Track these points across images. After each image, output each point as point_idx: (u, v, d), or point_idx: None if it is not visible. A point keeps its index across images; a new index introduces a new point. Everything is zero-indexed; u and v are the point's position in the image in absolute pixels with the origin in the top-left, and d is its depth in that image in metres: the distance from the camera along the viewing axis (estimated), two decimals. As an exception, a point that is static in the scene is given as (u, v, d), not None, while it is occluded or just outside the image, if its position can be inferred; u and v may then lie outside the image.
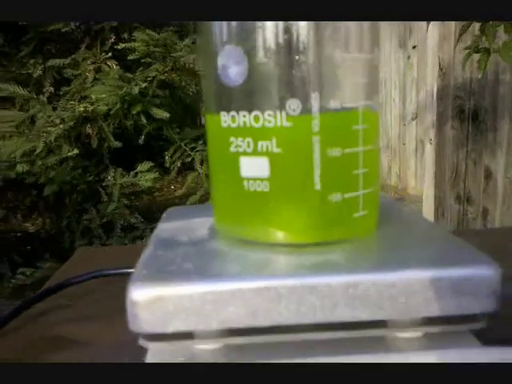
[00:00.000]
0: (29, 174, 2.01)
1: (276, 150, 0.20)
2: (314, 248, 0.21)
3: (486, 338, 0.19)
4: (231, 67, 0.20)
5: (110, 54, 1.86)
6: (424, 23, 2.10)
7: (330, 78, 0.20)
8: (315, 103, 0.20)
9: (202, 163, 2.00)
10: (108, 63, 1.88)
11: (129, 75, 1.77)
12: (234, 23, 0.20)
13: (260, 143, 0.20)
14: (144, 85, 1.73)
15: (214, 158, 0.23)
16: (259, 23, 0.19)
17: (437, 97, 2.14)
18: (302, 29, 0.20)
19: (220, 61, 0.20)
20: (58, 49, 2.09)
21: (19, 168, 1.93)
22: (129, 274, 0.45)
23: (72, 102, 1.95)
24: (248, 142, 0.20)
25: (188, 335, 0.19)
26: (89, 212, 2.19)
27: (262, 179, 0.20)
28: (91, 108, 1.76)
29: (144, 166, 2.04)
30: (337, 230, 0.21)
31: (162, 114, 1.89)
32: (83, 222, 2.22)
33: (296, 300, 0.18)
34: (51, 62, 1.86)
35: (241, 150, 0.21)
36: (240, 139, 0.21)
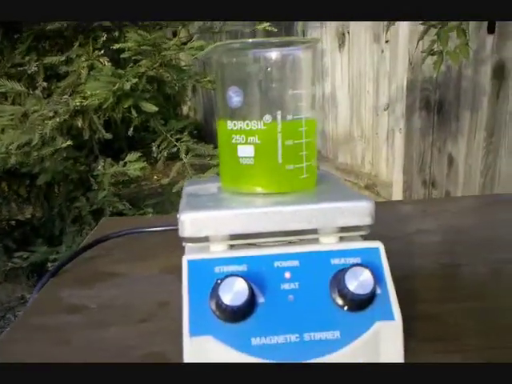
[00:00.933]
0: (23, 164, 2.10)
1: (257, 141, 0.38)
2: (278, 195, 0.39)
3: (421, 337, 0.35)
4: (234, 98, 0.37)
5: (102, 51, 2.00)
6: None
7: (286, 103, 0.38)
8: (278, 116, 0.38)
9: (186, 153, 2.11)
10: (100, 60, 2.02)
11: (120, 71, 1.91)
12: (236, 73, 0.37)
13: (249, 138, 0.38)
14: (135, 80, 1.87)
15: (222, 146, 0.40)
16: (249, 75, 0.37)
17: (406, 89, 2.31)
18: (274, 76, 0.37)
19: (228, 94, 0.38)
20: (51, 45, 2.22)
21: (14, 159, 2.02)
22: (155, 232, 0.64)
23: (66, 97, 2.08)
24: (242, 137, 0.38)
25: (209, 239, 0.37)
26: (79, 200, 2.29)
27: (249, 157, 0.38)
28: (85, 103, 1.89)
29: (132, 156, 2.14)
30: (290, 185, 0.39)
31: (150, 107, 2.01)
32: (74, 209, 2.31)
33: (267, 218, 0.36)
34: (48, 60, 1.99)
35: (238, 141, 0.38)
36: (238, 135, 0.38)
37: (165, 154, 2.18)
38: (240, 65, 0.38)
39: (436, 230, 0.65)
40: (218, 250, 0.37)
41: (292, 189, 0.39)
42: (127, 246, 0.63)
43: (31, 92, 2.05)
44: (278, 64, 0.38)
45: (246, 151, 0.38)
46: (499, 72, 2.09)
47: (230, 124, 0.38)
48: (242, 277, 0.32)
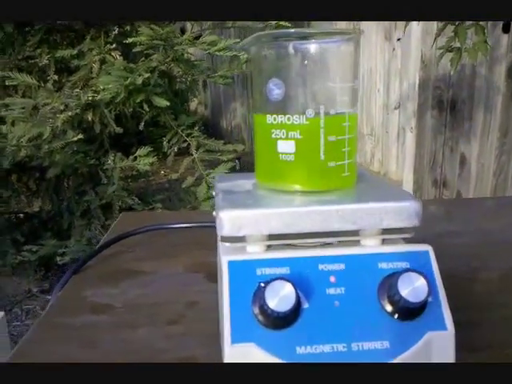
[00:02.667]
0: (33, 157, 2.09)
1: (299, 136, 0.36)
2: (319, 193, 0.37)
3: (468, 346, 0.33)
4: (275, 90, 0.35)
5: (114, 45, 1.98)
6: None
7: (330, 97, 0.36)
8: (321, 111, 0.36)
9: (197, 148, 2.10)
10: (112, 54, 2.01)
11: (132, 66, 1.89)
12: (277, 64, 0.35)
13: (290, 133, 0.36)
14: (147, 75, 1.86)
15: (259, 140, 0.38)
16: (293, 65, 0.35)
17: (418, 87, 2.28)
18: (317, 70, 0.35)
19: (268, 86, 0.36)
20: (62, 39, 2.21)
21: (24, 152, 2.01)
22: (178, 228, 0.62)
23: (77, 90, 2.06)
24: (283, 132, 0.36)
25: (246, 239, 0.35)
26: (88, 194, 2.28)
27: (290, 153, 0.36)
28: (98, 97, 1.88)
29: (143, 150, 2.13)
30: (332, 183, 0.37)
31: (162, 102, 1.99)
32: (83, 203, 2.30)
33: (308, 218, 0.34)
34: (59, 53, 1.97)
35: (278, 136, 0.36)
36: (278, 130, 0.36)
37: (175, 149, 2.17)
38: (282, 56, 0.36)
39: (463, 232, 0.63)
40: (257, 251, 0.35)
41: (333, 187, 0.37)
42: (148, 242, 0.62)
43: (42, 85, 2.04)
44: (320, 56, 0.36)
45: (286, 147, 0.36)
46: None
47: (269, 118, 0.36)
48: (288, 280, 0.30)
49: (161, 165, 3.24)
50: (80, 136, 2.05)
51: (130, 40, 1.75)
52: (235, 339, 0.30)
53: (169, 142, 2.18)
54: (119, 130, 2.13)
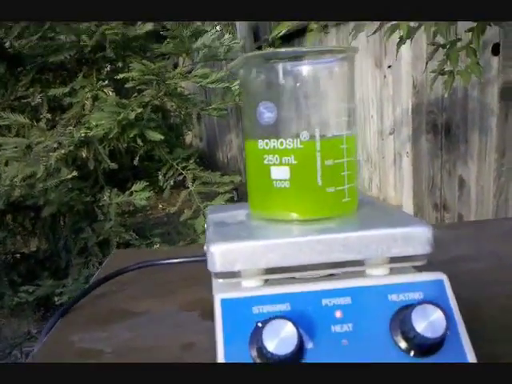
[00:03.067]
0: (28, 196, 2.07)
1: (294, 161, 0.33)
2: (318, 222, 0.34)
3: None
4: (266, 113, 0.33)
5: (106, 81, 1.98)
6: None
7: (325, 118, 0.34)
8: (317, 133, 0.33)
9: (193, 181, 2.09)
10: (104, 90, 2.00)
11: (125, 101, 1.89)
12: (267, 88, 0.33)
13: (283, 158, 0.33)
14: (140, 110, 1.85)
15: (251, 167, 0.36)
16: (283, 88, 0.33)
17: (412, 112, 2.28)
18: (309, 89, 0.33)
19: (259, 110, 0.33)
20: (54, 76, 2.21)
21: (18, 191, 1.99)
22: (171, 264, 0.59)
23: (70, 128, 2.06)
24: (276, 157, 0.34)
25: (241, 274, 0.32)
26: (85, 231, 2.25)
27: (284, 180, 0.34)
28: (90, 133, 1.87)
29: (138, 185, 2.11)
30: (332, 210, 0.34)
31: (156, 136, 1.99)
32: (80, 241, 2.27)
33: (309, 249, 0.31)
34: (52, 92, 1.97)
35: (271, 162, 0.34)
36: (271, 156, 0.34)
37: (171, 182, 2.16)
38: (272, 78, 0.34)
39: (476, 256, 0.60)
40: (252, 286, 0.32)
41: (333, 214, 0.35)
42: (140, 280, 0.59)
43: (35, 124, 2.03)
44: (314, 76, 0.34)
45: (280, 173, 0.34)
46: (507, 93, 2.07)
47: (261, 143, 0.34)
48: (287, 319, 0.27)
49: (158, 199, 3.22)
50: (74, 173, 2.04)
51: (121, 76, 1.75)
52: (233, 388, 0.27)
53: (164, 175, 2.17)
54: (114, 165, 2.12)
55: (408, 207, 2.33)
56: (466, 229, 0.77)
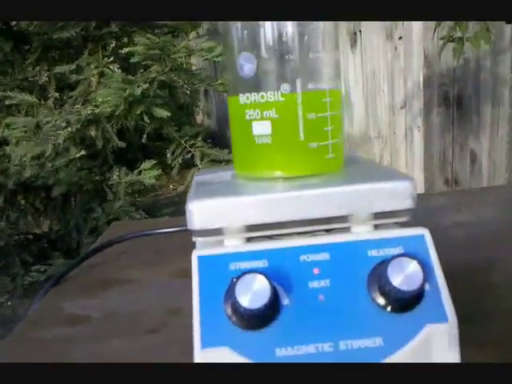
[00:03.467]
0: (38, 176, 2.08)
1: (275, 115, 0.32)
2: (300, 179, 0.33)
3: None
4: (246, 66, 0.32)
5: (112, 58, 1.97)
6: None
7: (307, 69, 0.32)
8: (298, 85, 0.32)
9: (201, 159, 2.08)
10: (110, 67, 1.99)
11: (131, 77, 1.88)
12: (246, 36, 0.32)
13: (264, 112, 0.32)
14: (146, 86, 1.84)
15: (234, 125, 0.35)
16: (263, 36, 0.31)
17: (423, 85, 2.24)
18: (290, 39, 0.32)
19: (238, 62, 0.32)
20: (60, 55, 2.21)
21: (28, 171, 2.00)
22: (161, 233, 0.58)
23: (77, 106, 2.05)
24: (257, 112, 0.32)
25: (222, 231, 0.31)
26: (95, 211, 2.25)
27: (266, 135, 0.33)
28: (97, 111, 1.87)
29: (147, 164, 2.11)
30: (315, 167, 0.33)
31: (163, 113, 1.97)
32: (90, 220, 2.28)
33: (289, 205, 0.30)
34: (58, 69, 1.97)
35: (252, 117, 0.33)
36: (252, 110, 0.33)
37: (179, 160, 2.15)
38: (251, 27, 0.33)
39: (476, 222, 0.59)
40: (234, 244, 0.31)
41: (316, 171, 0.33)
42: (137, 250, 0.58)
43: (43, 103, 2.03)
44: (294, 25, 0.32)
45: (261, 128, 0.33)
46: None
47: (242, 98, 0.33)
48: (262, 273, 0.26)
49: (169, 179, 3.22)
50: (83, 152, 2.04)
51: (125, 50, 1.73)
52: (206, 343, 0.27)
53: (173, 153, 2.16)
54: (122, 144, 2.11)
55: (419, 182, 2.30)
56: (470, 197, 0.75)
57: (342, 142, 0.35)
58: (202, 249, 0.30)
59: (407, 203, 0.30)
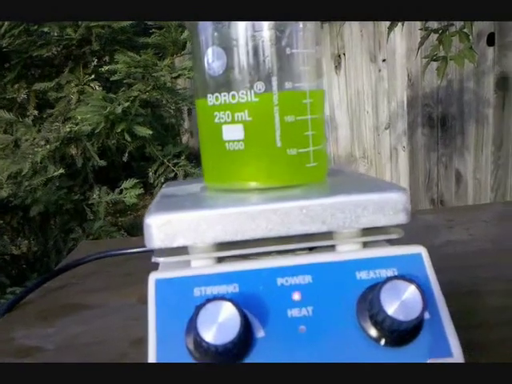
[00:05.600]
0: (15, 196, 2.03)
1: (248, 118, 0.28)
2: (278, 190, 0.29)
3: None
4: (215, 62, 0.28)
5: (92, 76, 1.93)
6: (391, 37, 2.20)
7: (284, 67, 0.29)
8: (274, 84, 0.28)
9: (184, 178, 2.04)
10: (91, 85, 1.95)
11: (112, 96, 1.84)
12: (215, 30, 0.28)
13: (236, 114, 0.28)
14: (127, 104, 1.80)
15: (202, 130, 0.31)
16: (233, 29, 0.28)
17: (407, 106, 2.24)
18: (265, 33, 0.28)
19: (206, 58, 0.28)
20: (41, 73, 2.16)
21: (5, 190, 1.95)
22: (129, 253, 0.53)
23: (57, 124, 2.01)
24: (228, 114, 0.28)
25: (187, 250, 0.27)
26: (75, 231, 2.19)
27: (238, 141, 0.28)
28: (76, 128, 1.82)
29: (128, 183, 2.07)
30: (294, 177, 0.29)
31: (144, 131, 1.94)
32: (70, 241, 2.22)
33: (265, 219, 0.26)
34: (36, 86, 1.92)
35: (222, 120, 0.29)
36: (222, 112, 0.29)
37: (162, 179, 2.11)
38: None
39: (467, 240, 0.55)
40: (201, 265, 0.27)
41: (296, 181, 0.29)
42: (104, 272, 0.53)
43: (20, 120, 1.98)
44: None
45: (233, 132, 0.28)
46: (503, 83, 2.04)
47: (211, 99, 0.29)
48: (230, 300, 0.22)
49: (152, 198, 3.16)
50: (61, 171, 1.99)
51: (106, 68, 1.70)
52: (162, 386, 0.22)
53: (155, 172, 2.13)
54: (102, 162, 2.07)
55: (404, 202, 2.27)
56: (458, 214, 0.71)
57: (324, 149, 0.31)
58: (164, 271, 0.26)
59: (400, 218, 0.26)
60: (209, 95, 0.29)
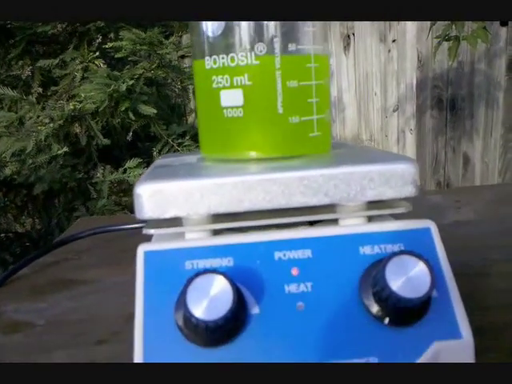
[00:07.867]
0: (19, 174, 2.02)
1: (248, 82, 0.26)
2: (279, 160, 0.27)
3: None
4: (213, 22, 0.26)
5: (97, 53, 1.90)
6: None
7: (287, 27, 0.27)
8: (277, 46, 0.26)
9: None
10: (96, 62, 1.93)
11: (116, 73, 1.81)
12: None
13: (235, 78, 0.26)
14: (131, 82, 1.78)
15: (200, 95, 0.29)
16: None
17: (416, 88, 2.21)
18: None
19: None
20: (45, 50, 2.14)
21: (9, 168, 1.95)
22: (126, 229, 0.52)
23: (61, 102, 1.99)
24: (226, 78, 0.27)
25: (182, 222, 0.25)
26: (78, 209, 2.19)
27: (237, 107, 0.27)
28: (80, 106, 1.80)
29: (132, 162, 2.05)
30: (296, 147, 0.27)
31: (149, 110, 1.92)
32: (73, 219, 2.22)
33: (263, 190, 0.24)
34: (40, 63, 1.90)
35: (220, 85, 0.27)
36: (220, 76, 0.27)
37: (166, 159, 2.09)
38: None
39: (476, 221, 0.53)
40: (195, 238, 0.25)
41: (298, 152, 0.28)
42: (100, 248, 0.52)
43: (24, 97, 1.96)
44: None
45: (231, 98, 0.27)
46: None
47: (208, 61, 0.27)
48: (222, 274, 0.20)
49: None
50: (65, 149, 1.98)
51: (110, 45, 1.67)
52: (149, 361, 0.20)
53: (159, 152, 2.11)
54: (106, 141, 2.05)
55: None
56: (468, 194, 0.69)
57: (329, 118, 0.29)
58: (154, 243, 0.24)
59: (408, 190, 0.25)
60: (206, 58, 0.27)
